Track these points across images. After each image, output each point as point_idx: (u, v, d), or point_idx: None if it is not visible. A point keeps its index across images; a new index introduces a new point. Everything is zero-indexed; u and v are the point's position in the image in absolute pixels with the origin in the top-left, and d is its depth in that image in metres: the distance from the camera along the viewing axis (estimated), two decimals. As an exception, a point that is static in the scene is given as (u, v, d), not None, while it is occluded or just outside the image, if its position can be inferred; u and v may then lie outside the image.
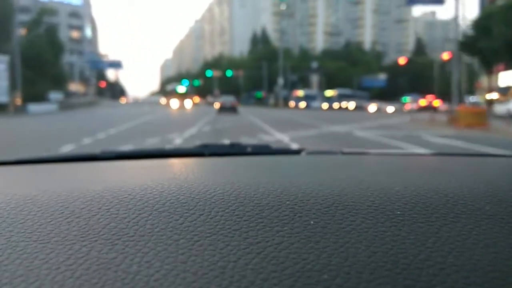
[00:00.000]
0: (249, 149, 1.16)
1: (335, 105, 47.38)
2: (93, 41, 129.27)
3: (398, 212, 0.47)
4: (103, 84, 79.72)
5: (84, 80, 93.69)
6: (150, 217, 0.47)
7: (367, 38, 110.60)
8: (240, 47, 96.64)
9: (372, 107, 45.40)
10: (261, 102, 63.58)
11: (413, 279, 0.34)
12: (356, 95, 51.49)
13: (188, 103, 44.67)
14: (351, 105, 46.72)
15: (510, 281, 0.34)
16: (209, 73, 58.75)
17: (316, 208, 0.48)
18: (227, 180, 0.61)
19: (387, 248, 0.39)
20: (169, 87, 47.05)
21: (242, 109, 37.59)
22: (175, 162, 0.96)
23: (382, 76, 64.87)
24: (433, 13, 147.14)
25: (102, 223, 0.46)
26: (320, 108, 47.81)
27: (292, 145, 10.02)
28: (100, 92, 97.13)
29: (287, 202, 0.50)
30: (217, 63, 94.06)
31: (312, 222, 0.45)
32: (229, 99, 32.23)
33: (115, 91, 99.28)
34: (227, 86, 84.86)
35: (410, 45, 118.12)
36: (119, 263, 0.37)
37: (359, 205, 0.49)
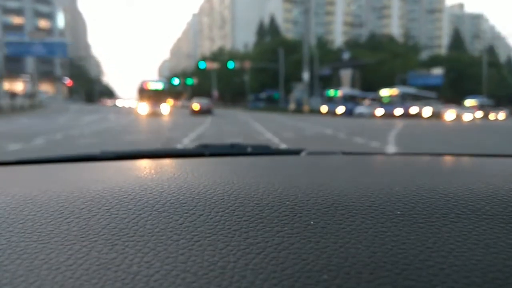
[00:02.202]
0: (249, 149, 1.17)
1: (397, 111, 30.33)
2: (77, 35, 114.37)
3: (398, 212, 0.47)
4: (70, 84, 62.95)
5: (53, 79, 77.31)
6: (150, 217, 0.47)
7: (394, 30, 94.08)
8: (244, 40, 79.92)
9: (450, 114, 29.36)
10: (274, 105, 46.90)
11: (413, 279, 0.34)
12: (423, 96, 34.66)
13: (165, 108, 27.12)
14: (427, 111, 29.74)
15: (510, 281, 0.34)
16: (202, 64, 41.88)
17: (316, 208, 0.49)
18: (227, 180, 0.62)
19: (387, 248, 0.39)
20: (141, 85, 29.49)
21: (247, 116, 28.25)
22: (175, 162, 0.94)
23: (438, 71, 47.83)
24: (461, 6, 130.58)
25: (102, 223, 0.46)
26: (372, 115, 30.96)
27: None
28: (74, 92, 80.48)
29: (287, 202, 0.50)
30: (216, 58, 77.80)
31: (312, 222, 0.45)
32: (205, 102, 33.93)
33: (93, 92, 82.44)
34: (227, 86, 68.46)
35: (444, 39, 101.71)
36: (119, 263, 0.37)
37: (359, 205, 0.49)
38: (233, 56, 74.99)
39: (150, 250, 0.39)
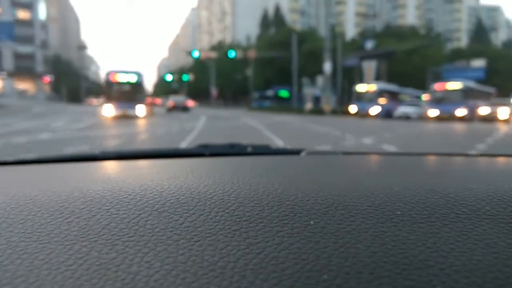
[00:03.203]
0: (249, 149, 1.17)
1: (459, 111, 22.41)
2: (67, 32, 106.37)
3: (398, 212, 0.47)
4: (46, 81, 55.07)
5: (34, 76, 69.52)
6: (150, 217, 0.47)
7: (410, 21, 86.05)
8: (245, 33, 71.91)
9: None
10: (284, 104, 39.03)
11: (413, 279, 0.34)
12: (484, 91, 26.83)
13: (139, 109, 18.85)
14: (503, 112, 21.84)
15: (511, 281, 0.34)
16: (193, 53, 33.63)
17: (316, 208, 0.49)
18: (227, 180, 0.62)
19: (387, 248, 0.39)
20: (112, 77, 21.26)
21: (253, 119, 21.93)
22: (175, 162, 0.95)
23: (479, 63, 39.81)
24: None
25: (102, 223, 0.46)
26: (422, 117, 23.15)
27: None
28: (58, 91, 72.63)
29: (287, 202, 0.50)
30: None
31: (312, 222, 0.45)
32: (181, 99, 35.05)
33: (79, 90, 74.55)
34: (228, 82, 60.62)
35: (464, 32, 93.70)
36: (119, 263, 0.37)
37: (359, 205, 0.49)
38: (234, 49, 67.27)
39: (150, 250, 0.39)
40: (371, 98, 26.57)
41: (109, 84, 20.90)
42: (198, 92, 73.69)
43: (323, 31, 56.19)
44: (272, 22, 67.78)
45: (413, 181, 0.63)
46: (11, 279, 0.35)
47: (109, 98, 20.40)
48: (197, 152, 1.13)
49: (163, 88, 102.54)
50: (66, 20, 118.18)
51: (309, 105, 31.53)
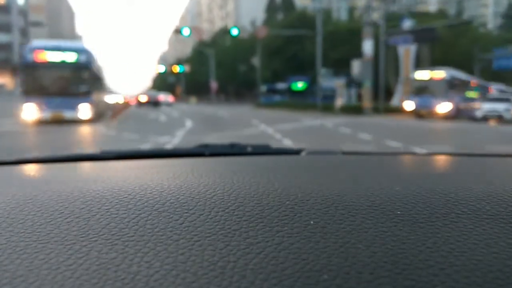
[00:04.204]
0: (249, 149, 1.16)
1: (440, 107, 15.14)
2: (58, 22, 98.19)
3: (398, 212, 0.47)
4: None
5: (12, 68, 61.78)
6: (150, 217, 0.47)
7: (431, 7, 77.73)
8: (249, 19, 63.68)
9: None
10: (298, 99, 30.91)
11: (413, 279, 0.34)
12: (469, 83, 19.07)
13: (84, 110, 9.87)
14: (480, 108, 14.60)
15: (511, 281, 0.34)
16: (183, 30, 25.16)
17: (316, 208, 0.48)
18: (227, 180, 0.62)
19: (387, 248, 0.39)
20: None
21: (263, 121, 15.93)
22: (175, 162, 0.95)
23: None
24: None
25: (102, 223, 0.46)
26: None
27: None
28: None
29: (287, 202, 0.50)
30: (215, 42, 61.94)
31: (312, 222, 0.45)
32: (153, 94, 35.94)
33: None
34: (230, 75, 52.55)
35: (489, 17, 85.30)
36: (119, 263, 0.37)
37: (359, 205, 0.49)
38: (239, 34, 59.31)
39: (150, 250, 0.39)
40: (437, 90, 18.39)
41: (31, 66, 12.71)
42: (197, 87, 65.71)
43: (338, 14, 47.99)
44: (280, 6, 59.63)
45: (413, 181, 0.63)
46: (11, 279, 0.35)
47: (31, 91, 12.33)
48: (197, 152, 1.12)
49: (160, 84, 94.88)
50: (56, 9, 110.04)
51: (339, 101, 23.35)
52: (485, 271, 0.35)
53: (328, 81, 31.33)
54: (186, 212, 0.48)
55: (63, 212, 0.49)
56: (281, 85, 39.50)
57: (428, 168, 0.87)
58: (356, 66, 21.94)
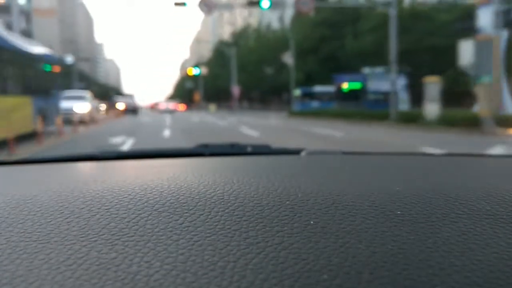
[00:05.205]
0: (249, 149, 1.16)
1: None
2: (73, 28, 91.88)
3: (398, 212, 0.47)
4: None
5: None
6: (150, 217, 0.47)
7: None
8: (276, 14, 55.91)
9: None
10: (352, 105, 22.59)
11: (413, 279, 0.34)
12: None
13: None
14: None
15: (511, 281, 0.34)
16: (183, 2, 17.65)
17: (316, 208, 0.49)
18: (227, 180, 0.62)
19: (387, 248, 0.39)
20: None
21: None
22: (175, 162, 0.95)
23: None
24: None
25: (102, 223, 0.46)
26: None
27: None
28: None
29: (287, 202, 0.50)
30: (237, 42, 54.44)
31: (312, 222, 0.45)
32: (130, 101, 33.40)
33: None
34: (255, 77, 44.84)
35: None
36: (119, 263, 0.37)
37: (359, 205, 0.49)
38: (262, 34, 51.72)
39: (150, 250, 0.39)
40: None
41: None
42: (217, 93, 58.30)
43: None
44: (311, 0, 51.66)
45: (413, 181, 0.63)
46: (11, 279, 0.35)
47: None
48: (197, 152, 1.11)
49: (180, 91, 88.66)
50: (69, 13, 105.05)
51: (432, 108, 14.84)
52: (485, 271, 0.35)
53: (378, 81, 23.43)
54: (186, 212, 0.48)
55: (63, 212, 0.49)
56: (319, 88, 31.41)
57: (428, 168, 0.87)
58: (466, 51, 13.32)
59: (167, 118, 26.74)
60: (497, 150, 8.29)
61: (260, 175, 0.67)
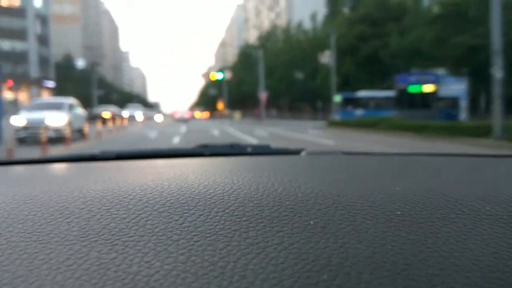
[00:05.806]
0: (249, 149, 1.16)
1: None
2: (98, 36, 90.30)
3: (398, 212, 0.47)
4: (10, 83, 37.24)
5: (28, 82, 53.01)
6: (150, 217, 0.47)
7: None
8: (306, 14, 51.36)
9: None
10: (420, 116, 17.45)
11: (413, 279, 0.34)
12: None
13: None
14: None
15: (511, 281, 0.34)
16: None
17: (316, 208, 0.49)
18: (227, 180, 0.62)
19: (387, 248, 0.39)
20: None
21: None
22: (175, 162, 0.95)
23: None
24: None
25: (102, 223, 0.46)
26: None
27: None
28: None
29: (287, 202, 0.50)
30: (264, 44, 50.21)
31: (312, 222, 0.45)
32: (115, 110, 35.58)
33: (90, 100, 57.15)
34: (285, 82, 40.29)
35: None
36: (119, 263, 0.37)
37: (359, 205, 0.49)
38: (290, 36, 47.31)
39: (150, 250, 0.39)
40: None
41: None
42: (243, 99, 54.09)
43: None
44: (345, -2, 47.14)
45: (413, 181, 0.63)
46: (11, 279, 0.35)
47: None
48: (197, 152, 1.12)
49: (203, 98, 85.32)
50: (93, 20, 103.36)
51: None
52: (485, 271, 0.35)
53: (449, 85, 18.82)
54: (186, 212, 0.48)
55: (63, 212, 0.49)
56: (363, 93, 26.63)
57: (428, 168, 0.87)
58: None
59: (182, 129, 22.81)
60: None
61: (260, 175, 0.67)
